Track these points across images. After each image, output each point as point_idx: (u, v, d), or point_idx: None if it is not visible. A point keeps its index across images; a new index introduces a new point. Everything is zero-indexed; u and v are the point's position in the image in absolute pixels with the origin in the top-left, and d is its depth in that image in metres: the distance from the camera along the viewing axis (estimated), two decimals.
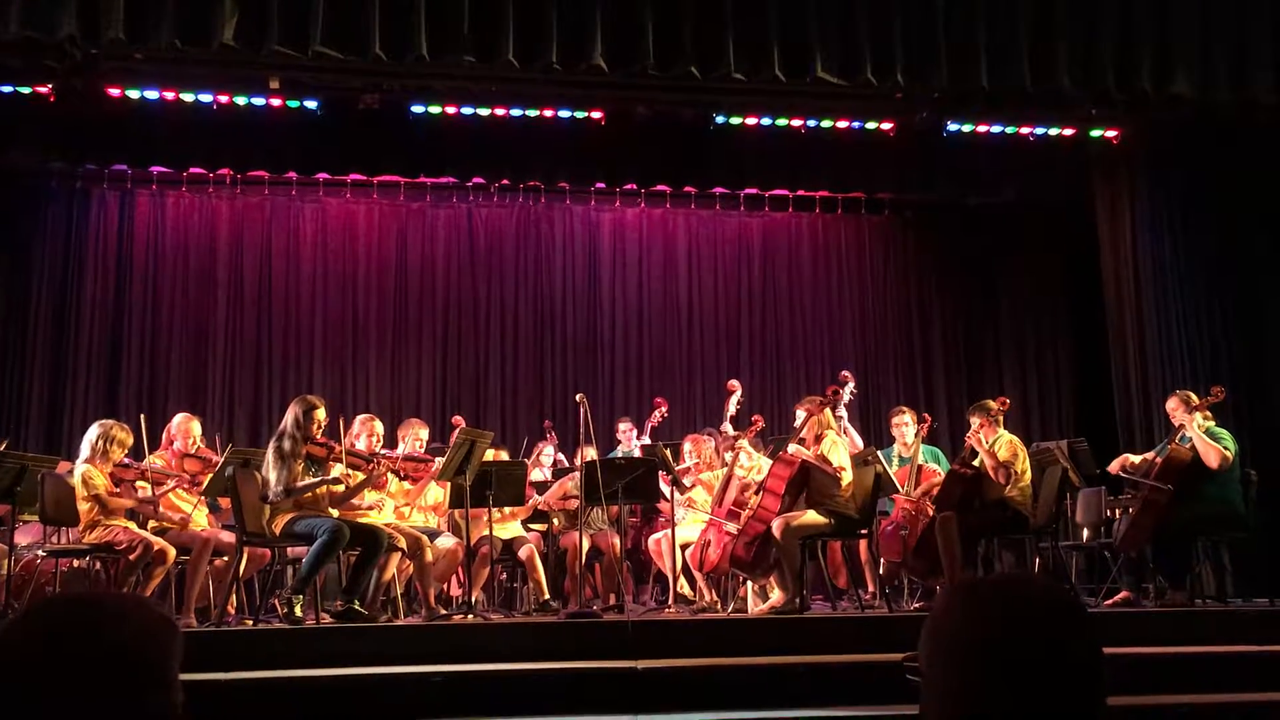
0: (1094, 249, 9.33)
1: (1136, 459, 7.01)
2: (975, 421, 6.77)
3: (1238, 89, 7.70)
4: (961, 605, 1.26)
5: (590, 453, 6.98)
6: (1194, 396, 6.77)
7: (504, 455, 7.52)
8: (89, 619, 1.12)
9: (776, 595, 6.59)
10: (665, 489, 7.14)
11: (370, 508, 6.62)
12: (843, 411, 7.86)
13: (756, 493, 6.75)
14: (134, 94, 8.01)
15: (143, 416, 6.67)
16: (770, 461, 7.01)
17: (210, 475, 6.45)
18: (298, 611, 5.79)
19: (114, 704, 1.09)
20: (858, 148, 9.08)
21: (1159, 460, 6.68)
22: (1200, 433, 6.54)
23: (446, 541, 6.76)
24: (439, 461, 6.59)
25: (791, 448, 6.61)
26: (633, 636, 5.33)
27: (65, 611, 1.14)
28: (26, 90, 7.88)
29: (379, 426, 6.98)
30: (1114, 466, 7.03)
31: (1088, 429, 9.02)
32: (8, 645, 1.10)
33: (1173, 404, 6.81)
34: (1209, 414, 6.74)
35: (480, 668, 4.87)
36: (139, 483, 6.40)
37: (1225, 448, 6.49)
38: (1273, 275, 8.39)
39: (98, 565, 6.17)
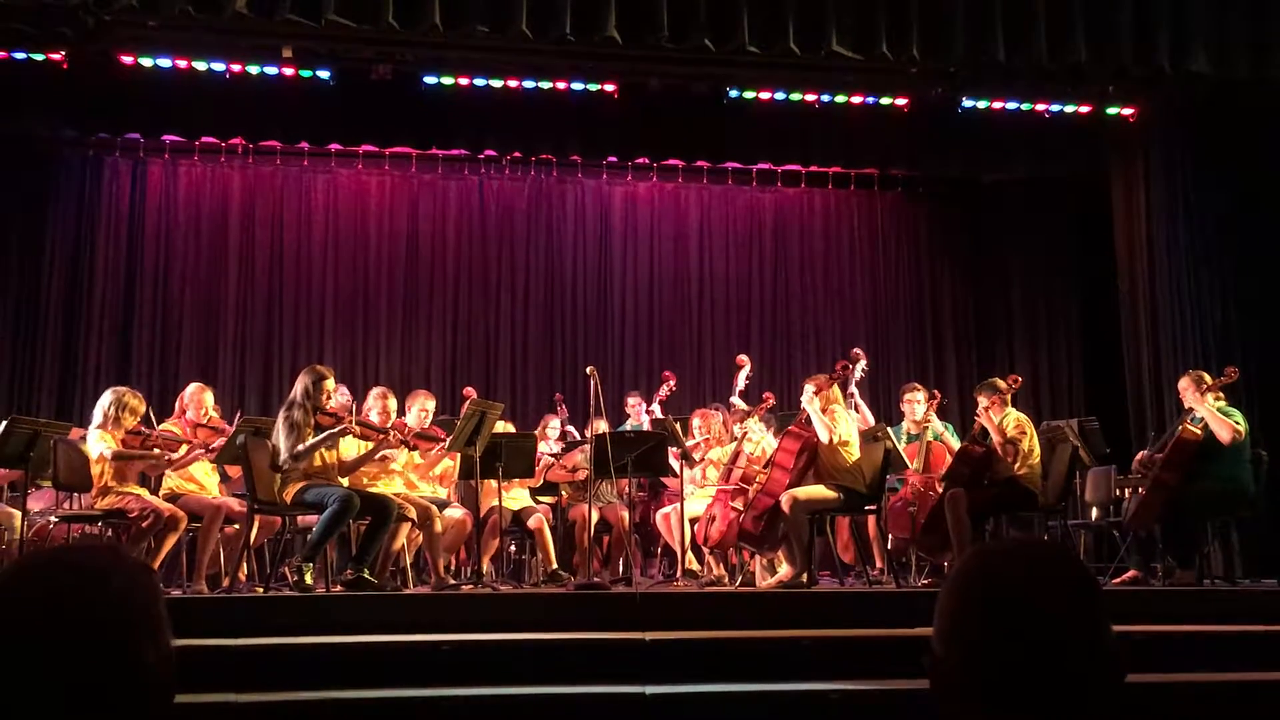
0: (1108, 227, 9.28)
1: (1144, 453, 7.03)
2: (983, 400, 6.75)
3: (1256, 67, 7.63)
4: (985, 565, 1.26)
5: (601, 425, 6.99)
6: (1206, 377, 6.74)
7: (512, 429, 7.54)
8: (76, 577, 1.12)
9: (784, 569, 6.61)
10: (674, 463, 7.15)
11: (384, 465, 6.63)
12: (854, 389, 7.85)
13: (765, 467, 6.77)
14: (146, 62, 7.99)
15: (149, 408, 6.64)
16: (775, 440, 7.02)
17: (222, 444, 6.47)
18: (308, 579, 5.83)
19: (110, 660, 1.09)
20: (872, 123, 9.02)
21: (1168, 445, 6.67)
22: (1213, 409, 6.52)
23: (455, 512, 6.79)
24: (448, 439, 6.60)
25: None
26: (641, 608, 5.35)
27: (50, 572, 1.13)
28: (39, 57, 7.86)
29: (392, 403, 6.94)
30: (1138, 460, 7.04)
31: (1098, 407, 9.00)
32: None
33: (1184, 384, 6.78)
34: (1220, 394, 6.71)
35: (488, 637, 4.90)
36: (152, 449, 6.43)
37: (1236, 423, 6.47)
38: None
39: (110, 531, 6.20)
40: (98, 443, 6.12)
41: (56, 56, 7.84)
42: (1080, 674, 1.18)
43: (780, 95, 8.65)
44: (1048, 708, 1.18)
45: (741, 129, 9.01)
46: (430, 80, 8.36)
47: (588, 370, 6.99)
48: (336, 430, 6.05)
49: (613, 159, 9.92)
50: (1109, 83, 8.28)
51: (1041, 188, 10.07)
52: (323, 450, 6.08)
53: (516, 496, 7.23)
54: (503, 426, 7.05)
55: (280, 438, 5.99)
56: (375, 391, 7.06)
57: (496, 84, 8.44)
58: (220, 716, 4.10)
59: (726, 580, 7.11)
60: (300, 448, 5.94)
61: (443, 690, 4.38)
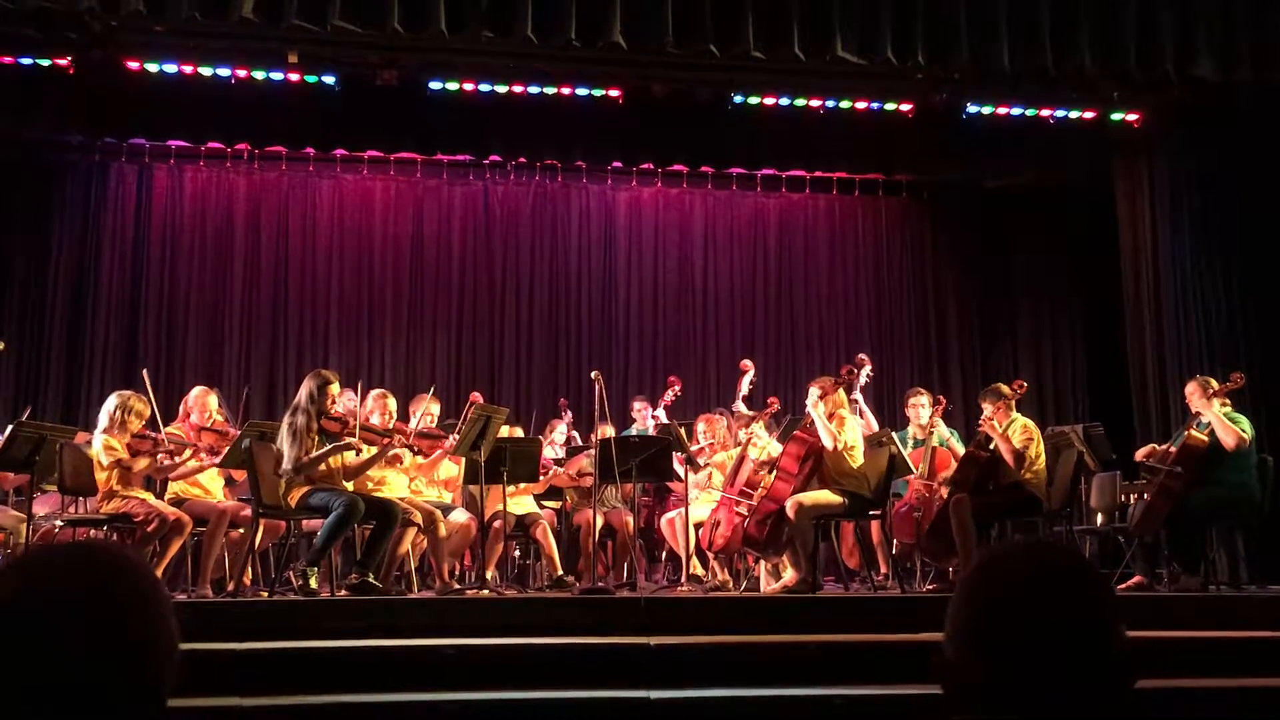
0: (1113, 232, 9.28)
1: (1160, 448, 7.00)
2: (987, 408, 6.74)
3: (1261, 71, 7.62)
4: (996, 568, 1.26)
5: (607, 430, 6.99)
6: (1213, 382, 6.74)
7: (518, 433, 7.54)
8: (99, 568, 1.13)
9: (789, 575, 6.61)
10: (679, 468, 7.15)
11: (398, 461, 6.64)
12: (858, 395, 7.84)
13: (770, 472, 6.76)
14: (153, 67, 8.02)
15: (144, 373, 6.70)
16: (779, 445, 7.02)
17: (227, 448, 6.48)
18: (312, 583, 5.83)
19: (140, 642, 1.11)
20: (876, 128, 9.04)
21: (1174, 448, 6.66)
22: (1219, 414, 6.51)
23: (460, 516, 6.79)
24: (452, 438, 6.61)
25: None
26: (646, 613, 5.35)
27: (76, 562, 1.14)
28: (46, 62, 7.89)
29: (392, 403, 6.98)
30: (1140, 455, 7.02)
31: (1103, 413, 8.99)
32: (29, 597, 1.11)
33: (1191, 389, 6.78)
34: (1227, 400, 6.71)
35: (493, 642, 4.90)
36: (158, 453, 6.44)
37: (1242, 430, 6.47)
38: None
39: (115, 535, 6.21)
40: (103, 450, 6.13)
41: (63, 62, 7.86)
42: (1091, 677, 1.18)
43: (785, 100, 8.67)
44: (1059, 710, 1.18)
45: (746, 134, 9.02)
46: (435, 85, 8.38)
47: (593, 375, 7.00)
48: (342, 445, 6.06)
49: (617, 164, 9.92)
50: (1113, 88, 8.28)
51: (1046, 193, 10.07)
52: None
53: (521, 501, 7.23)
54: (507, 431, 7.05)
55: (284, 443, 6.00)
56: (374, 393, 7.07)
57: (501, 89, 8.47)
58: None
59: (731, 585, 7.10)
60: (305, 459, 5.94)
61: (447, 695, 4.38)
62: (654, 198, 10.47)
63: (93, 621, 1.09)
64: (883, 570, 7.29)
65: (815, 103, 8.72)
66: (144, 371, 6.79)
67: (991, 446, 6.65)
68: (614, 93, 8.60)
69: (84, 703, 1.07)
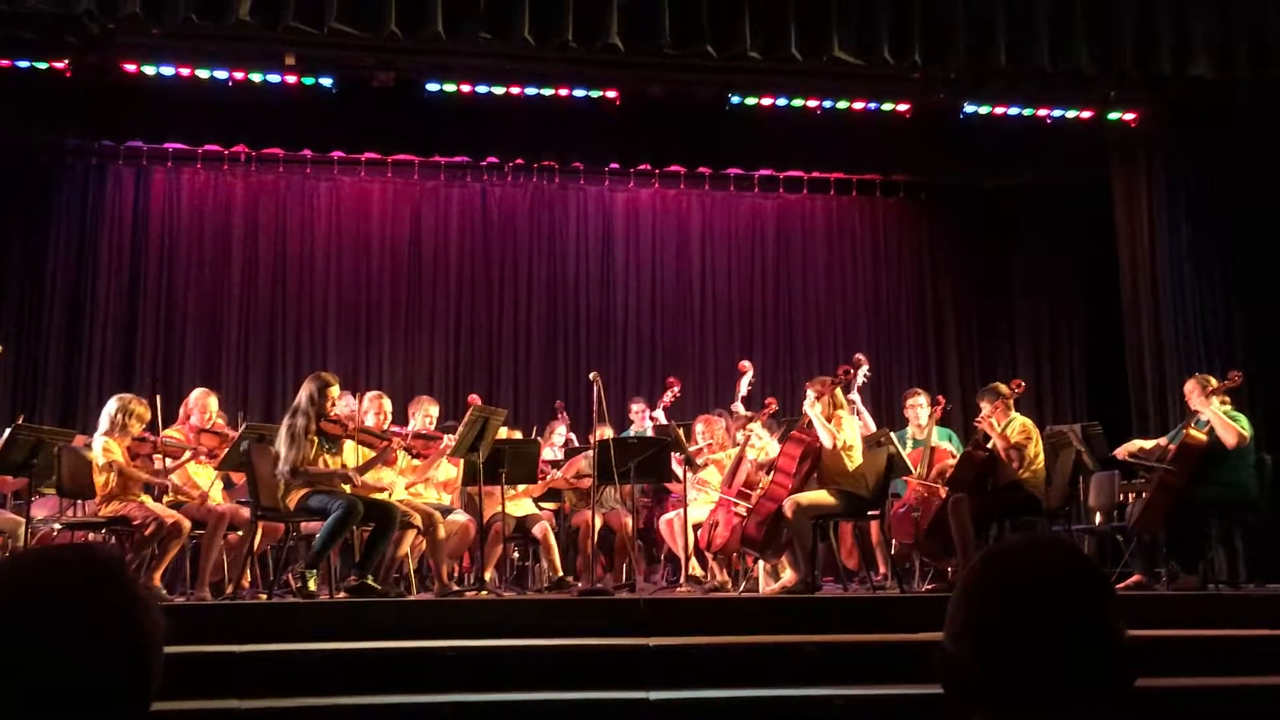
0: (1110, 232, 9.28)
1: (1148, 444, 6.99)
2: (985, 407, 6.74)
3: (1258, 69, 7.63)
4: (998, 563, 1.26)
5: (605, 431, 6.99)
6: (1212, 380, 6.75)
7: (517, 435, 7.54)
8: (91, 571, 1.13)
9: (788, 575, 6.60)
10: (677, 469, 7.15)
11: (383, 490, 6.64)
12: (855, 395, 7.85)
13: (768, 472, 6.76)
14: (150, 70, 8.02)
15: (158, 397, 6.72)
16: (778, 446, 7.02)
17: (226, 450, 6.48)
18: (311, 586, 5.83)
19: (132, 646, 1.11)
20: (873, 129, 9.04)
21: (1173, 446, 6.66)
22: (1219, 412, 6.52)
23: (459, 518, 6.79)
24: (449, 438, 6.61)
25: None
26: (645, 614, 5.36)
27: (70, 566, 1.14)
28: (43, 65, 7.89)
29: (387, 404, 6.98)
30: (1121, 453, 7.01)
31: (1102, 412, 8.99)
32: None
33: (1189, 387, 6.79)
34: (1225, 398, 6.71)
35: (492, 643, 4.90)
36: (155, 455, 6.44)
37: (1242, 428, 6.47)
38: None
39: (113, 538, 6.20)
40: (102, 453, 6.13)
41: (60, 65, 7.86)
42: (1091, 676, 1.18)
43: (782, 101, 8.67)
44: (1059, 706, 1.18)
45: (743, 135, 9.02)
46: (432, 87, 8.38)
47: (591, 376, 7.00)
48: (339, 474, 6.07)
49: (615, 165, 9.92)
50: (1110, 87, 8.28)
51: (1044, 193, 10.08)
52: (326, 457, 6.09)
53: (520, 503, 7.22)
54: (505, 433, 7.05)
55: (282, 445, 6.00)
56: (369, 395, 7.08)
57: (499, 91, 8.47)
58: None
59: (730, 586, 7.10)
60: (305, 470, 5.94)
61: (447, 696, 4.38)
62: (651, 199, 10.47)
63: (88, 625, 1.09)
64: (881, 571, 7.28)
65: (813, 103, 8.72)
66: (158, 397, 6.77)
67: (989, 444, 6.65)
68: (611, 94, 8.60)
69: (77, 705, 1.07)
